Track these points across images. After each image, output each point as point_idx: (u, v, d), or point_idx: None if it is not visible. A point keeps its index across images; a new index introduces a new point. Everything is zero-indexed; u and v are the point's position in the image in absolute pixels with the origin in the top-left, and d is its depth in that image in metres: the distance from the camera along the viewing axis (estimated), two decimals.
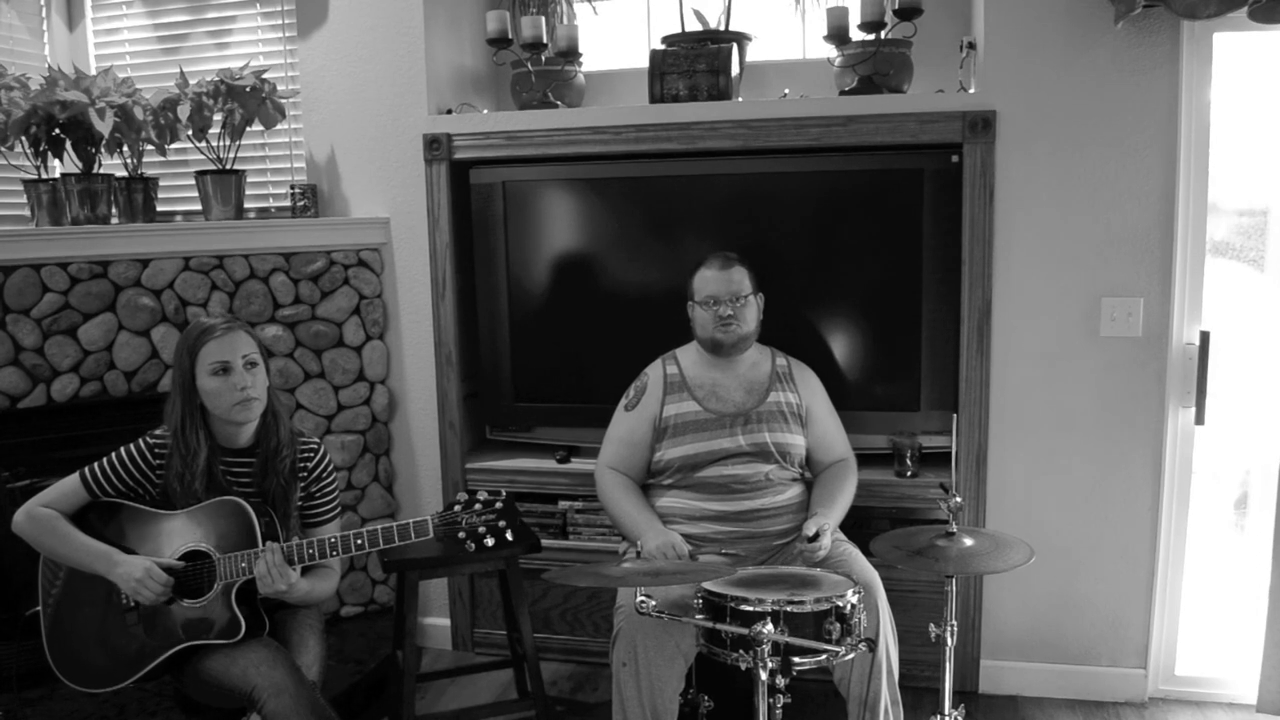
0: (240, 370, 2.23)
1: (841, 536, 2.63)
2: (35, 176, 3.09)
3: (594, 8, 3.55)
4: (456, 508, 2.18)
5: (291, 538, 2.28)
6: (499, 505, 2.18)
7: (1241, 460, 2.96)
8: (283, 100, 3.26)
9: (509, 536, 2.17)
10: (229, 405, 2.23)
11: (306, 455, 2.37)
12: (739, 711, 2.30)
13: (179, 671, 2.23)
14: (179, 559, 2.21)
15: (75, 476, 2.25)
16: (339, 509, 2.46)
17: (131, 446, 2.27)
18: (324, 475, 2.41)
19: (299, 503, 2.37)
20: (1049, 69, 2.79)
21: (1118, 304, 2.83)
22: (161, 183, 3.41)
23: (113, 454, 2.26)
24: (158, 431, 2.29)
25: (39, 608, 2.29)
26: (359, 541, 2.20)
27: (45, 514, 2.21)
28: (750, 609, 2.08)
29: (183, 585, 2.20)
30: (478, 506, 2.18)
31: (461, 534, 2.16)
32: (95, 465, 2.25)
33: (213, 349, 2.22)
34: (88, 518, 2.25)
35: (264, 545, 2.17)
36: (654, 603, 2.13)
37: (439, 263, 3.29)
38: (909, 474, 3.01)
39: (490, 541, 2.15)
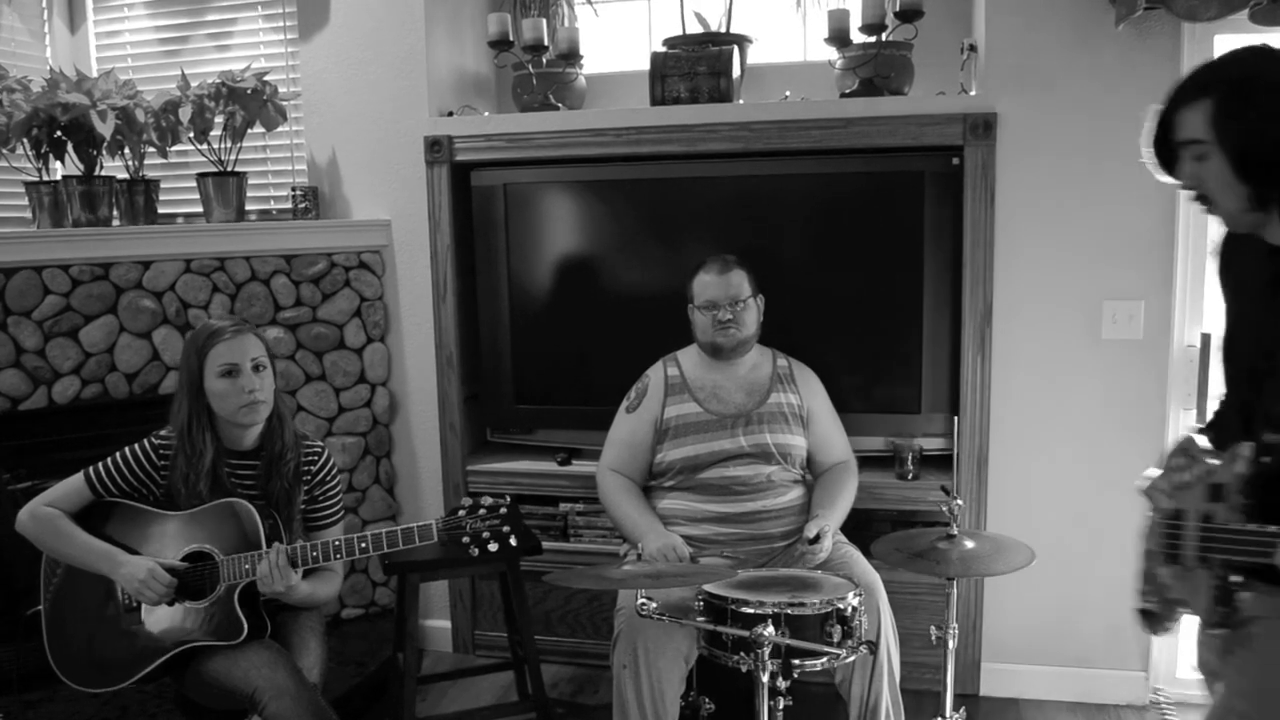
0: (248, 373, 2.23)
1: (843, 539, 2.63)
2: (37, 178, 3.10)
3: (595, 10, 3.55)
4: (461, 512, 2.19)
5: (295, 540, 2.28)
6: (503, 510, 2.19)
7: None
8: (284, 102, 3.27)
9: (513, 542, 2.17)
10: (235, 407, 2.23)
11: (311, 458, 2.37)
12: (740, 714, 2.29)
13: (180, 673, 2.23)
14: (182, 560, 2.21)
15: (79, 476, 2.25)
16: (342, 513, 2.46)
17: (136, 447, 2.27)
18: (328, 479, 2.41)
19: (302, 506, 2.37)
20: (1050, 71, 2.79)
21: (1119, 306, 2.82)
22: (163, 185, 3.41)
23: (117, 454, 2.27)
24: (163, 432, 2.29)
25: (39, 607, 2.29)
26: (363, 545, 2.20)
27: (49, 513, 2.22)
28: (751, 611, 2.08)
29: (186, 586, 2.20)
30: (482, 511, 2.18)
31: (465, 539, 2.16)
32: (100, 465, 2.26)
33: (221, 351, 2.23)
34: (91, 517, 2.25)
35: (268, 547, 2.17)
36: (655, 605, 2.13)
37: (440, 265, 3.29)
38: (910, 476, 3.01)
39: (494, 547, 2.16)
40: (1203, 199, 1.52)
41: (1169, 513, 1.67)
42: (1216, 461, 1.58)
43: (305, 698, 2.08)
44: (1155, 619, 1.73)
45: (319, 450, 2.40)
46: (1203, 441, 1.66)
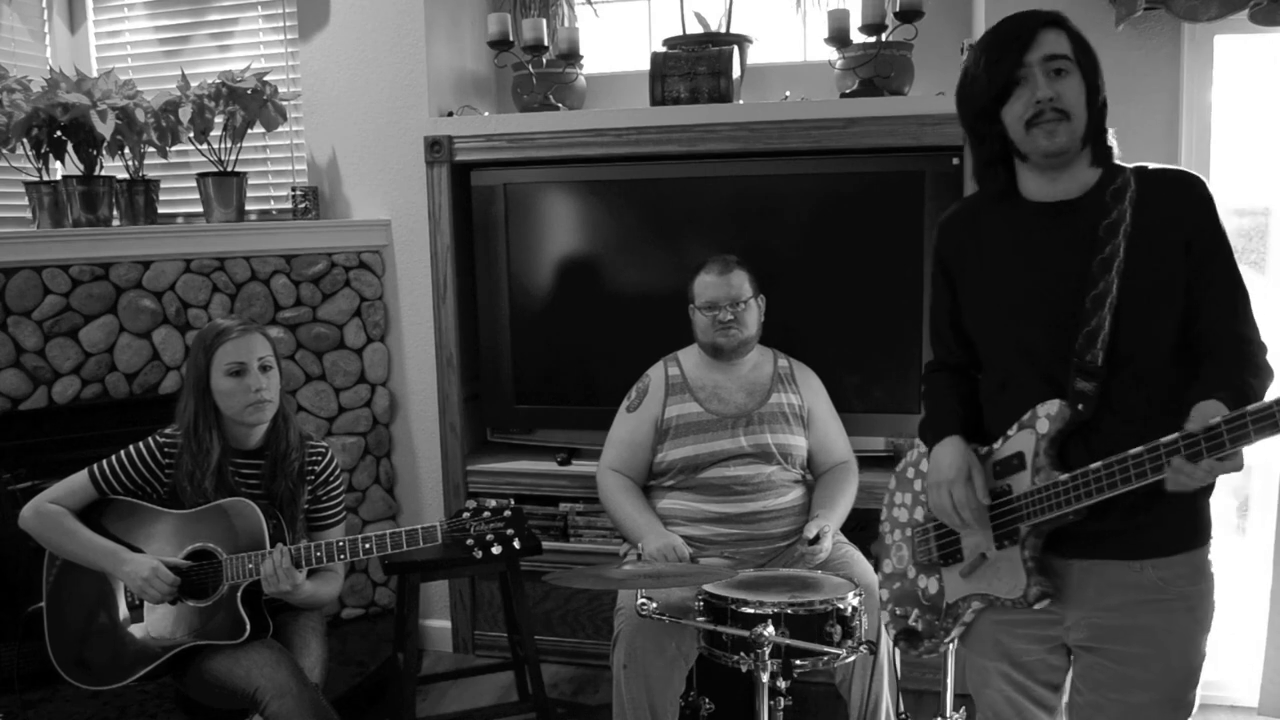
0: (255, 372, 2.24)
1: (843, 539, 2.63)
2: (37, 178, 3.10)
3: (595, 10, 3.55)
4: (465, 515, 2.18)
5: (299, 540, 2.28)
6: (507, 513, 2.19)
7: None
8: (284, 102, 3.27)
9: (517, 545, 2.17)
10: (242, 406, 2.23)
11: (315, 459, 2.38)
12: (740, 714, 2.30)
13: (181, 672, 2.24)
14: (185, 558, 2.21)
15: (83, 473, 2.25)
16: (344, 513, 2.47)
17: (141, 445, 2.28)
18: (331, 479, 2.41)
19: (305, 506, 2.37)
20: None
21: None
22: (163, 185, 3.41)
23: (122, 452, 2.27)
24: (167, 430, 2.29)
25: (41, 604, 2.29)
26: (367, 546, 2.20)
27: (53, 510, 2.21)
28: (751, 611, 2.08)
29: (189, 585, 2.20)
30: (486, 514, 2.18)
31: (469, 541, 2.16)
32: (104, 462, 2.26)
33: (229, 350, 2.23)
34: (95, 515, 2.25)
35: (272, 547, 2.18)
36: (654, 605, 2.13)
37: (440, 265, 3.29)
38: None
39: (497, 550, 2.16)
40: (1059, 114, 1.56)
41: (926, 519, 1.77)
42: (983, 447, 1.68)
43: (307, 697, 2.09)
44: (918, 637, 1.78)
45: (323, 450, 2.41)
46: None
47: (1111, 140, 1.65)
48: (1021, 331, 1.66)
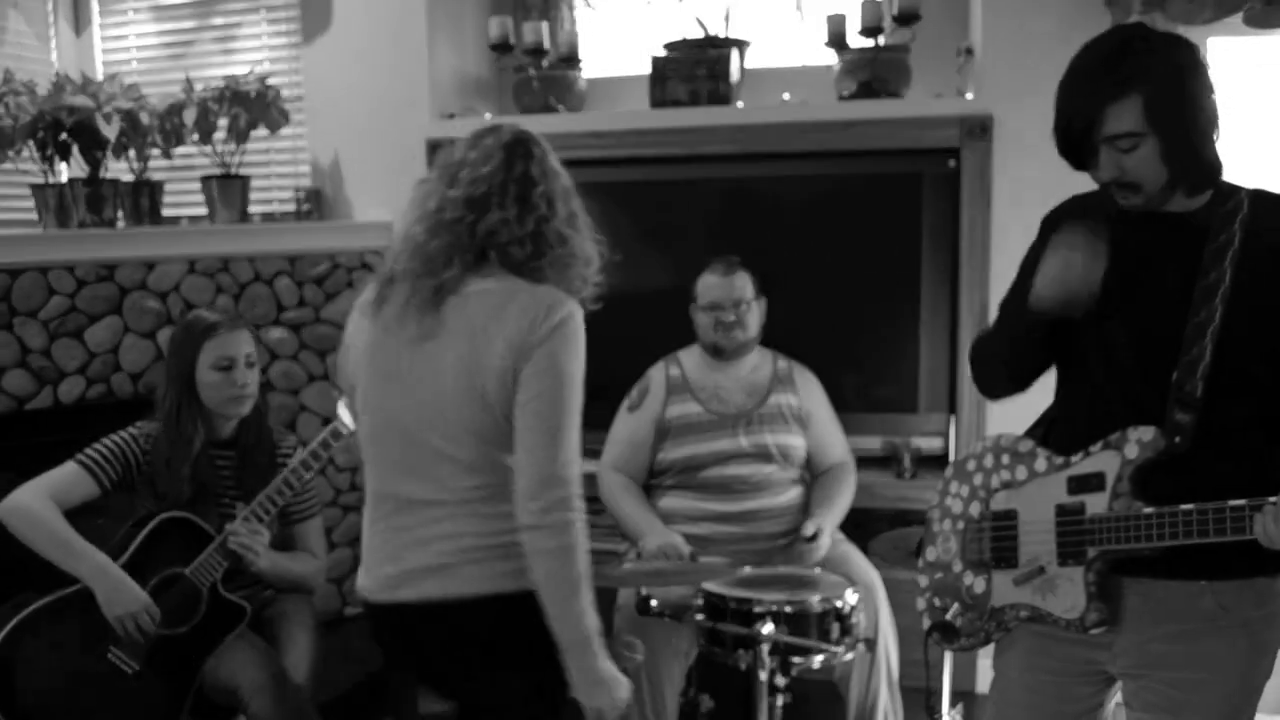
0: (242, 368, 2.26)
1: (841, 537, 2.65)
2: (43, 180, 3.12)
3: (592, 7, 3.57)
4: None
5: (272, 529, 2.27)
6: None
7: None
8: (287, 105, 3.29)
9: None
10: (224, 399, 2.25)
11: (285, 455, 2.39)
12: (739, 711, 2.31)
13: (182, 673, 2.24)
14: (152, 591, 2.13)
15: (74, 467, 2.19)
16: (318, 506, 2.48)
17: (122, 434, 2.27)
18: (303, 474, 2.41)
19: (282, 502, 2.31)
20: (1046, 74, 2.76)
21: None
22: (167, 187, 3.42)
23: (104, 442, 2.24)
24: (139, 422, 2.29)
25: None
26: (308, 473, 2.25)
27: (48, 507, 2.13)
28: (750, 609, 2.09)
29: (170, 613, 2.14)
30: None
31: None
32: (93, 454, 2.21)
33: (219, 344, 2.25)
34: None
35: (219, 532, 2.17)
36: (654, 603, 2.15)
37: None
38: (909, 475, 3.03)
39: None
40: (1128, 187, 1.49)
41: (982, 516, 1.66)
42: (1059, 456, 1.58)
43: (286, 696, 2.10)
44: (955, 633, 1.69)
45: (292, 446, 2.43)
46: (1014, 439, 1.66)
47: (1218, 158, 1.51)
48: (1114, 348, 1.55)
